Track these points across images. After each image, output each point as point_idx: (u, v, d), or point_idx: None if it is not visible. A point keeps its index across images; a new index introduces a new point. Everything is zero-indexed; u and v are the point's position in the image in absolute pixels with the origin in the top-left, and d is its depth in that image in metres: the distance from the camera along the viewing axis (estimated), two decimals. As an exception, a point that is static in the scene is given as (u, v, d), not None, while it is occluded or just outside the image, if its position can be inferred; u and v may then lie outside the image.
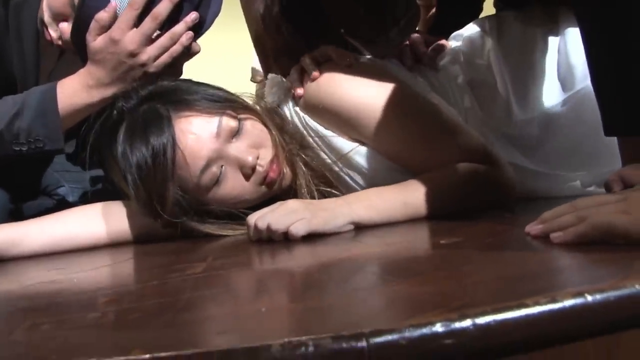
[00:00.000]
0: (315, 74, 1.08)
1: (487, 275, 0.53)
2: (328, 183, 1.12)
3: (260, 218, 0.93)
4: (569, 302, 0.41)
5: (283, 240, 0.89)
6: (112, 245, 1.11)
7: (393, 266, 0.66)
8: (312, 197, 1.08)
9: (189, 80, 1.11)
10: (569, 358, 0.42)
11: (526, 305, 0.40)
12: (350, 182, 1.11)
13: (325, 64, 1.10)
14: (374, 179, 1.08)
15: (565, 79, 1.16)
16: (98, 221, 1.13)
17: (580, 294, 0.41)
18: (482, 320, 0.40)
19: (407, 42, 1.27)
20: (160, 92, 1.05)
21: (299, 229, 0.89)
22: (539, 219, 0.67)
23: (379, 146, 1.07)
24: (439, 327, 0.39)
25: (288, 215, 0.91)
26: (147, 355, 0.38)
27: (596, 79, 0.80)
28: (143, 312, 0.53)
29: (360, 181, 1.11)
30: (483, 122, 1.17)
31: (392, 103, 1.04)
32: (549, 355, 0.42)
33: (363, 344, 0.38)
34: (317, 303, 0.50)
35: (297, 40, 1.13)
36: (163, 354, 0.38)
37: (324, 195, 1.10)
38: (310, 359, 0.38)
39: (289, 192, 1.08)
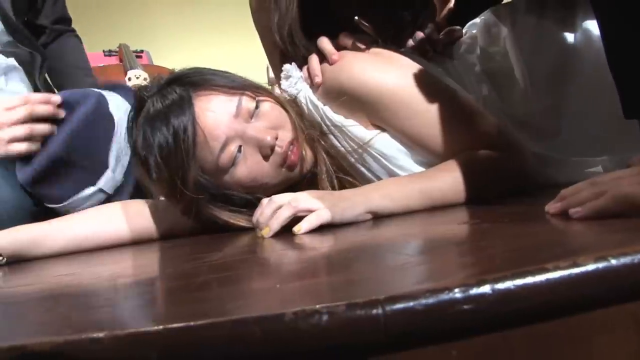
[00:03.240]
0: (335, 57, 1.07)
1: (505, 246, 0.51)
2: (346, 171, 1.12)
3: (281, 196, 0.92)
4: (591, 266, 0.39)
5: (292, 233, 0.88)
6: (134, 242, 1.12)
7: (409, 245, 0.65)
8: (332, 184, 1.07)
9: (208, 68, 1.10)
10: (593, 326, 0.41)
11: (546, 270, 0.39)
12: (367, 173, 1.11)
13: (343, 50, 1.09)
14: (393, 168, 1.07)
15: (583, 64, 1.14)
16: (119, 219, 1.14)
17: (603, 257, 0.40)
18: (501, 285, 0.38)
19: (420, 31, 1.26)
20: (179, 76, 1.05)
21: (320, 214, 0.88)
22: (558, 197, 0.65)
23: (400, 130, 1.05)
24: (456, 293, 0.38)
25: (309, 200, 0.90)
26: (160, 327, 0.38)
27: (613, 61, 0.78)
28: (157, 293, 0.52)
29: (379, 171, 1.09)
30: (501, 110, 1.15)
31: (413, 86, 1.03)
32: (572, 323, 0.40)
33: (378, 311, 0.37)
34: (334, 278, 0.49)
35: (311, 49, 1.13)
36: (175, 325, 0.38)
37: (342, 183, 1.09)
38: (325, 328, 0.37)
39: (309, 178, 1.07)
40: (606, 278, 0.40)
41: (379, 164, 1.09)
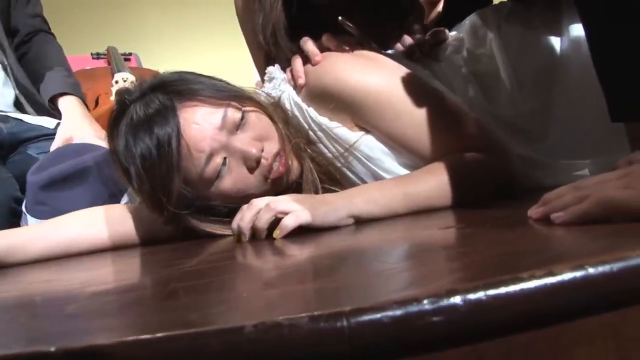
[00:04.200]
0: (318, 58, 1.05)
1: (483, 254, 0.49)
2: (333, 180, 1.10)
3: (260, 199, 0.91)
4: (567, 275, 0.37)
5: (273, 238, 0.86)
6: (115, 248, 1.10)
7: (389, 251, 0.63)
8: (317, 193, 1.05)
9: (193, 72, 1.08)
10: (571, 337, 0.39)
11: (521, 279, 0.37)
12: (353, 177, 1.09)
13: (327, 51, 1.07)
14: (379, 171, 1.05)
15: (569, 67, 1.13)
16: (99, 225, 1.12)
17: (580, 266, 0.38)
18: (472, 295, 0.36)
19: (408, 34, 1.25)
20: (164, 83, 1.02)
21: (299, 215, 0.86)
22: (541, 201, 0.64)
23: (385, 132, 1.03)
24: (425, 304, 0.36)
25: (289, 203, 0.89)
26: (115, 340, 0.36)
27: (599, 64, 0.77)
28: (122, 302, 0.50)
29: (364, 174, 1.08)
30: (488, 112, 1.14)
31: (399, 87, 1.02)
32: (549, 334, 0.38)
33: (343, 323, 0.35)
34: (305, 287, 0.48)
35: (295, 49, 1.12)
36: (131, 338, 0.36)
37: (327, 192, 1.07)
38: (287, 341, 0.35)
39: (294, 188, 1.06)
40: (584, 287, 0.38)
41: (365, 166, 1.07)
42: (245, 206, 0.92)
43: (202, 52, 3.36)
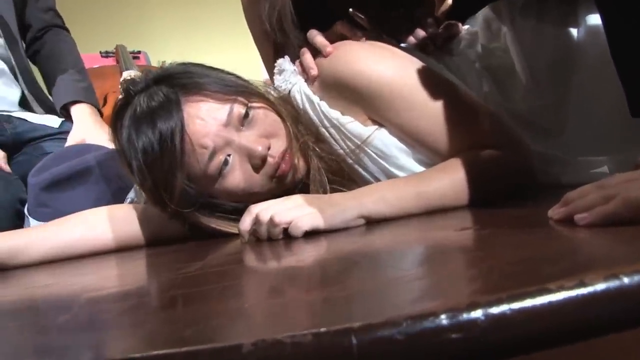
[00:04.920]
0: (329, 49, 1.01)
1: (503, 259, 0.46)
2: (341, 178, 1.06)
3: (264, 210, 0.87)
4: (600, 286, 0.34)
5: (283, 237, 0.84)
6: (120, 250, 1.07)
7: (402, 256, 0.60)
8: (325, 193, 1.02)
9: (201, 65, 1.05)
10: (604, 353, 0.35)
11: (549, 291, 0.33)
12: (365, 174, 1.05)
13: (338, 42, 1.04)
14: (392, 168, 1.02)
15: (585, 60, 1.08)
16: (103, 226, 1.10)
17: (614, 275, 0.34)
18: (495, 309, 0.33)
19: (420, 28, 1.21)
20: (170, 75, 0.99)
21: (304, 222, 0.83)
22: (562, 201, 0.60)
23: (398, 124, 0.99)
24: (443, 319, 0.32)
25: (294, 209, 0.85)
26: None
27: (618, 58, 0.74)
28: (117, 311, 0.47)
29: (376, 172, 1.04)
30: (503, 107, 1.10)
31: (413, 77, 0.98)
32: (579, 351, 0.35)
33: (351, 341, 0.31)
34: (311, 297, 0.44)
35: (300, 38, 1.08)
36: (116, 358, 0.32)
37: (336, 192, 1.03)
38: (289, 360, 0.31)
39: (301, 187, 1.02)
40: (618, 299, 0.34)
41: (377, 164, 1.03)
42: (254, 210, 0.88)
43: (211, 51, 3.33)
